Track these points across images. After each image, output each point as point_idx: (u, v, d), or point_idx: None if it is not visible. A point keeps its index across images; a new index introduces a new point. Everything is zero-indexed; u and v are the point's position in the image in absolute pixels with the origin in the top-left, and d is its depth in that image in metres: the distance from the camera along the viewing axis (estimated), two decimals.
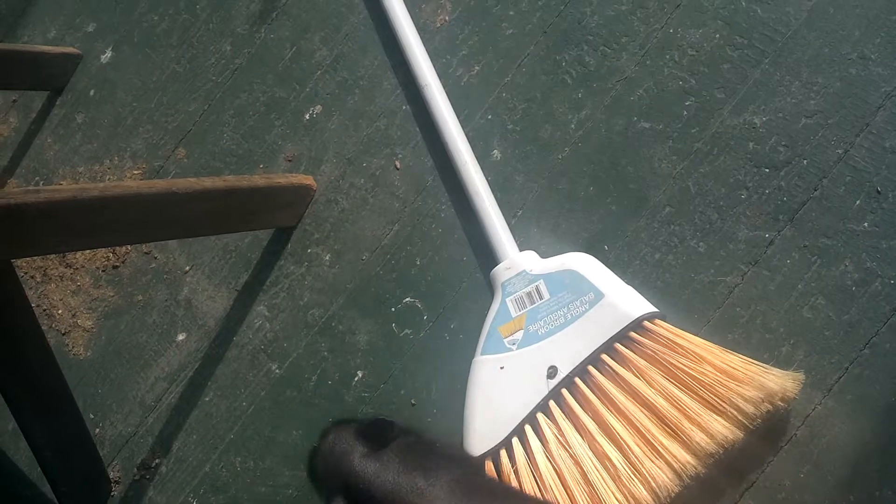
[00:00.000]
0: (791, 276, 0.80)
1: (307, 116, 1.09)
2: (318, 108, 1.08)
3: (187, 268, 1.13)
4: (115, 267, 1.18)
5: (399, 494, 0.69)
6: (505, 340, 0.85)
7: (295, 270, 1.06)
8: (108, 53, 1.24)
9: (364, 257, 1.01)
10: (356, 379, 0.98)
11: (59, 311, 1.17)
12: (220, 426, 1.04)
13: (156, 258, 1.16)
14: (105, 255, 1.18)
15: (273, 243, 1.08)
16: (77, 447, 1.03)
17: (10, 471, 1.16)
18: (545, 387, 0.82)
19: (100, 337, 1.16)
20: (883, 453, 0.74)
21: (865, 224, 0.78)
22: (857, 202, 0.79)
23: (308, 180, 1.06)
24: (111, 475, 1.09)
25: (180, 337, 1.10)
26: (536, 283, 0.85)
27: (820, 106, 0.82)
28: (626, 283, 0.84)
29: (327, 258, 1.04)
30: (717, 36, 0.87)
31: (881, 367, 0.75)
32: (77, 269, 1.21)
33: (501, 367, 0.84)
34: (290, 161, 1.09)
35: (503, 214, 0.91)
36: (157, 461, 1.07)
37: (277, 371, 1.02)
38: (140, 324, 1.14)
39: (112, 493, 1.08)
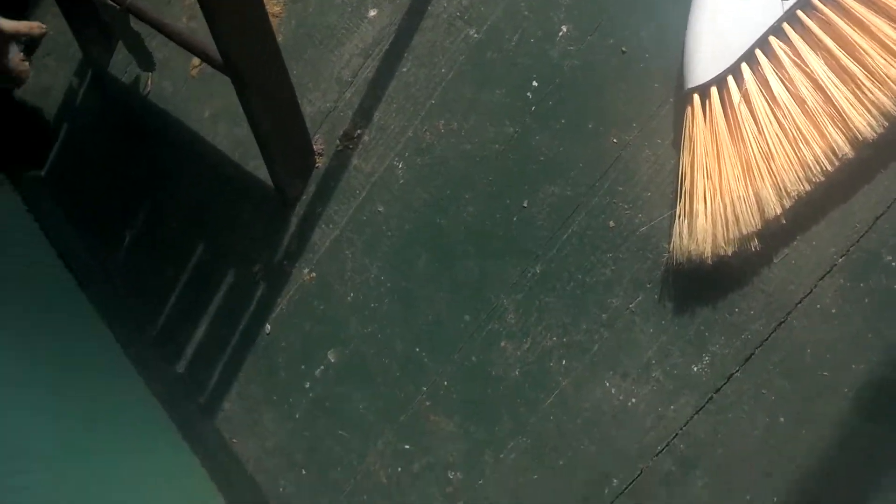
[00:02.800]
0: None
1: None
2: None
3: None
4: None
5: None
6: None
7: None
8: None
9: None
10: (560, 34, 0.99)
11: None
12: (421, 93, 1.07)
13: None
14: None
15: None
16: (290, 117, 1.09)
17: (212, 152, 1.24)
18: (779, 8, 0.81)
19: (289, 21, 1.19)
20: None
21: None
22: None
23: None
24: (314, 148, 1.15)
25: (372, 13, 1.12)
26: None
27: None
28: None
29: None
30: None
31: None
32: None
33: None
34: None
35: None
36: (358, 131, 1.12)
37: (476, 35, 1.04)
38: (328, 4, 1.15)
39: (317, 165, 1.15)
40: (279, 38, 1.16)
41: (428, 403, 1.02)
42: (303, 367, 1.13)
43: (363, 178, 1.11)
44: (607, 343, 0.92)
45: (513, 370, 0.97)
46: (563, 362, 0.94)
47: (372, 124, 1.11)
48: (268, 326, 1.18)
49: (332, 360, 1.11)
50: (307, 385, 1.14)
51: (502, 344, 0.98)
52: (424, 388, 1.03)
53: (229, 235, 1.23)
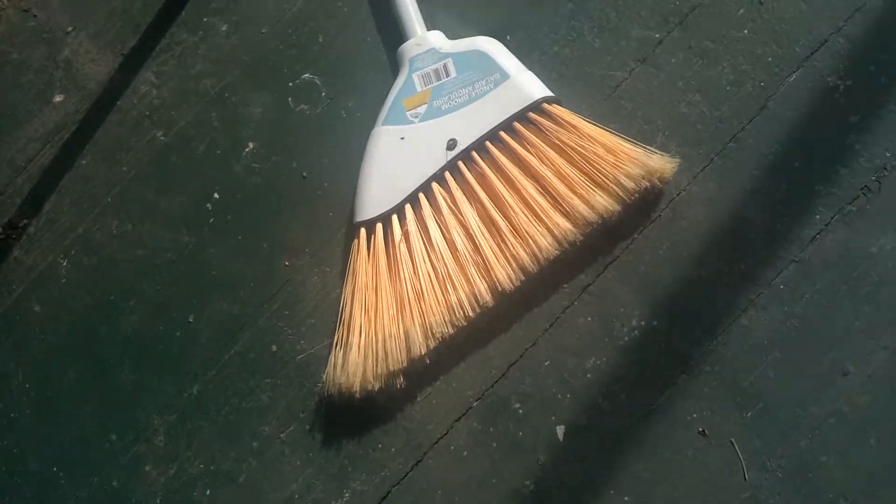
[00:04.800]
0: (673, 74, 0.87)
1: None
2: None
3: (70, 28, 1.08)
4: None
5: None
6: (408, 113, 0.88)
7: (188, 38, 1.03)
8: None
9: (264, 30, 1.00)
10: (247, 150, 0.98)
11: None
12: (98, 189, 1.02)
13: (35, 16, 1.09)
14: None
15: (166, 10, 1.05)
16: None
17: None
18: (443, 157, 0.86)
19: None
20: (732, 235, 0.83)
21: (745, 31, 0.86)
22: (741, 11, 0.86)
23: None
24: None
25: (58, 98, 1.06)
26: (444, 61, 0.88)
27: None
28: None
29: (224, 28, 1.02)
30: None
31: (743, 160, 0.84)
32: None
33: (402, 138, 0.87)
34: None
35: None
36: (24, 221, 1.03)
37: (163, 138, 1.01)
38: (13, 82, 1.08)
39: None
40: None
41: None
42: None
43: (22, 272, 1.02)
44: (255, 473, 0.89)
45: (154, 498, 0.91)
46: (208, 492, 0.89)
47: (41, 215, 1.03)
48: None
49: None
50: None
51: (147, 468, 0.92)
52: None
53: None
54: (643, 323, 0.83)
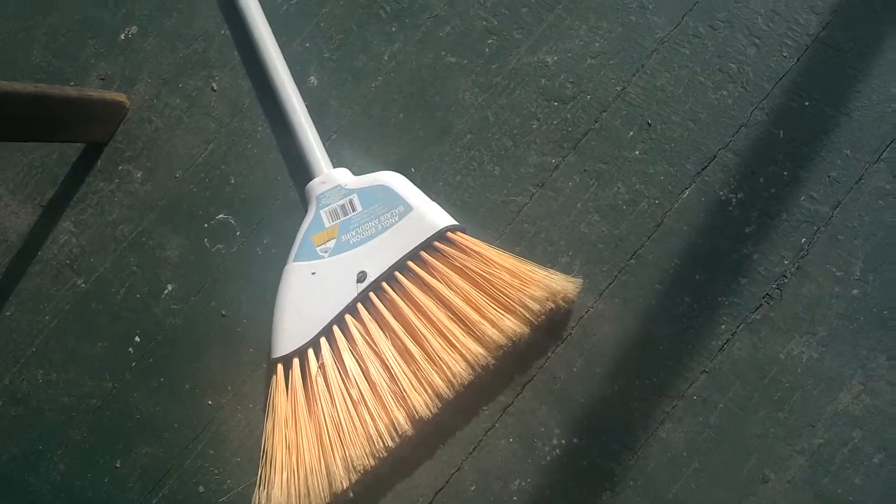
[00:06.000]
0: (571, 197, 0.91)
1: (122, 36, 1.08)
2: (134, 28, 1.08)
3: None
4: None
5: None
6: (317, 248, 0.91)
7: (104, 187, 1.05)
8: None
9: (177, 175, 1.03)
10: (166, 292, 1.00)
11: None
12: (22, 340, 1.02)
13: None
14: None
15: (82, 160, 1.07)
16: None
17: None
18: (354, 290, 0.88)
19: None
20: (641, 349, 0.86)
21: (637, 152, 0.90)
22: (631, 133, 0.91)
23: (121, 98, 1.06)
24: None
25: None
26: (350, 197, 0.91)
27: (603, 48, 0.94)
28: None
29: (139, 175, 1.05)
30: None
31: (644, 275, 0.88)
32: None
33: (313, 273, 0.90)
34: (102, 80, 1.08)
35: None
36: None
37: (83, 285, 1.02)
38: None
39: None
40: None
41: None
42: None
43: None
44: None
45: None
46: None
47: None
48: None
49: None
50: None
51: None
52: None
53: None
54: (563, 441, 0.85)
